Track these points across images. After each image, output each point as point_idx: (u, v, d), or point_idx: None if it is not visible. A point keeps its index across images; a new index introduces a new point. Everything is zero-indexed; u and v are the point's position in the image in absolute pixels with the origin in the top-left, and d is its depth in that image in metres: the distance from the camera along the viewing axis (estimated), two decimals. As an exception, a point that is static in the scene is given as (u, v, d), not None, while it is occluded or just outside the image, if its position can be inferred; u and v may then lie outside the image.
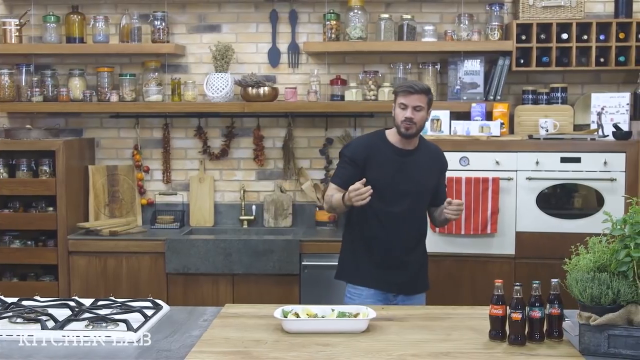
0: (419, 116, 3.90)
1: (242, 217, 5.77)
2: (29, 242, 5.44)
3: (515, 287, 2.90)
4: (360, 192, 3.70)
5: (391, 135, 4.05)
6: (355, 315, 3.15)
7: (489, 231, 4.96)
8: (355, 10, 5.46)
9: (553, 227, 4.97)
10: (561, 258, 4.82)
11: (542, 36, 5.35)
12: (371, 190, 3.71)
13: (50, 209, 5.40)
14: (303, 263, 5.18)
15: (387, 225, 3.99)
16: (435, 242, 5.00)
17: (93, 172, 5.68)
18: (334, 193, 3.98)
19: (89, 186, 5.66)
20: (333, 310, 3.17)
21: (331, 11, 5.54)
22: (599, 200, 4.94)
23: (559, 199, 5.10)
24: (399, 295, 4.02)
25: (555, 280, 2.94)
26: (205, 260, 5.17)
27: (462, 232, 4.98)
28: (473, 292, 5.01)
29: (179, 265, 5.19)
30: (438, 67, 5.57)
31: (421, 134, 5.07)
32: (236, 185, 5.84)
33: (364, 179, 3.75)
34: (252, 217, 5.77)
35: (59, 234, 5.31)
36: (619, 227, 2.80)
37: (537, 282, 2.92)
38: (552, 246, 4.95)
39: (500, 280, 2.96)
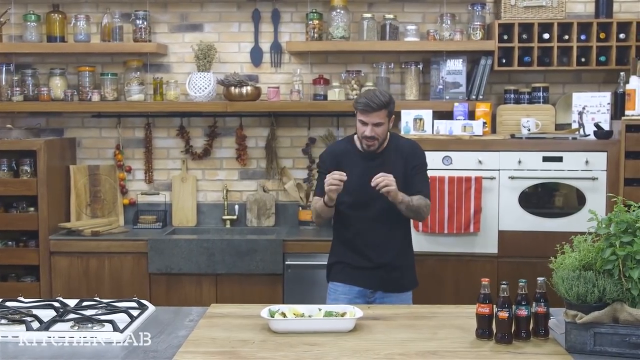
0: (379, 131, 3.92)
1: (224, 217, 5.75)
2: (10, 243, 5.39)
3: (502, 286, 2.91)
4: (333, 176, 3.77)
5: (357, 139, 4.08)
6: (342, 315, 3.15)
7: (471, 230, 4.98)
8: (338, 10, 5.46)
9: (535, 226, 5.00)
10: (543, 257, 4.85)
11: (524, 36, 5.38)
12: (343, 176, 3.76)
13: (32, 209, 5.35)
14: (287, 262, 5.17)
15: (361, 229, 4.02)
16: (418, 241, 5.00)
17: (74, 172, 5.65)
18: (316, 202, 4.05)
19: (70, 186, 5.62)
20: (320, 309, 3.18)
21: (314, 11, 5.54)
22: (581, 199, 4.98)
23: (541, 198, 5.12)
24: (376, 292, 4.03)
25: (542, 278, 2.96)
26: (189, 260, 5.15)
27: (445, 231, 5.00)
28: (456, 291, 5.04)
29: (162, 265, 5.17)
30: (420, 66, 5.58)
31: (403, 133, 5.14)
32: (219, 185, 5.82)
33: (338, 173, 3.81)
34: (234, 217, 5.76)
35: (41, 235, 5.27)
36: (604, 225, 2.81)
37: (523, 280, 2.93)
38: (534, 245, 4.98)
39: (487, 279, 2.97)
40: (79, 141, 5.84)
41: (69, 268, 5.24)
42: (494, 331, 2.94)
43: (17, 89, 5.58)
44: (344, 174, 3.78)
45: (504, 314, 2.88)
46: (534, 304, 2.94)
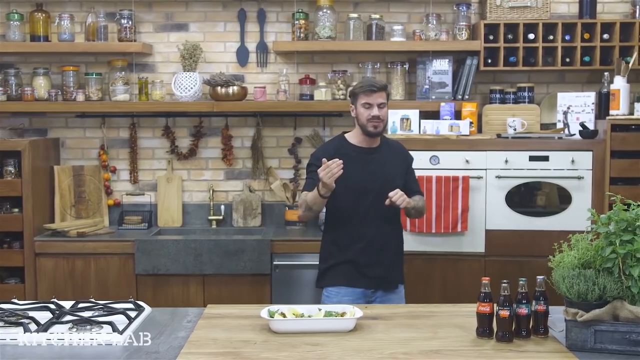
0: (383, 112, 4.00)
1: (210, 217, 5.73)
2: (-7, 245, 5.33)
3: (503, 285, 2.92)
4: (329, 166, 3.73)
5: (352, 137, 4.12)
6: (342, 315, 3.15)
7: (459, 229, 5.01)
8: (325, 10, 5.46)
9: (522, 225, 5.04)
10: (530, 255, 4.97)
11: (509, 36, 5.41)
12: (340, 162, 3.74)
13: (16, 210, 5.29)
14: (274, 263, 5.15)
15: (357, 224, 4.03)
16: (405, 241, 4.94)
17: (59, 173, 5.59)
18: (306, 194, 4.01)
19: (54, 187, 5.57)
20: (320, 309, 3.18)
21: (300, 10, 5.53)
22: (567, 198, 5.02)
23: (528, 197, 5.16)
24: (377, 291, 4.06)
25: (541, 277, 2.98)
26: (176, 261, 5.12)
27: (433, 231, 5.02)
28: (444, 290, 5.07)
29: (149, 266, 5.13)
30: (406, 66, 5.59)
31: (390, 133, 5.17)
32: (204, 185, 5.80)
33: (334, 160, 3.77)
34: (220, 217, 5.73)
35: (25, 236, 5.21)
36: (603, 224, 2.84)
37: (523, 279, 2.95)
38: (521, 244, 5.03)
39: (487, 278, 2.98)
40: (63, 141, 5.79)
41: (55, 269, 5.19)
42: (495, 330, 2.95)
43: (0, 88, 5.50)
44: (340, 161, 3.76)
45: (505, 313, 2.90)
46: (533, 303, 2.96)
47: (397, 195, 3.85)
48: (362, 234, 4.03)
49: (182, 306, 4.51)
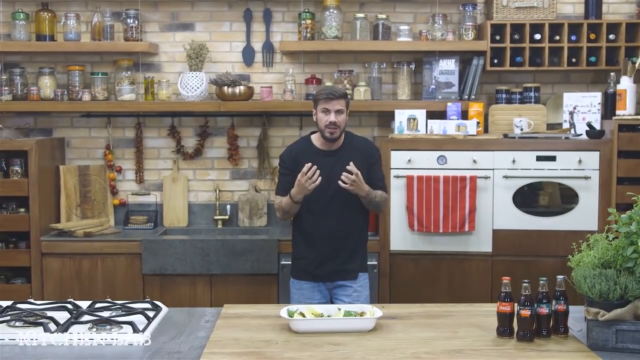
0: (340, 119, 4.19)
1: (216, 217, 5.72)
2: (-1, 244, 5.31)
3: (524, 284, 2.94)
4: (309, 175, 4.01)
5: (316, 139, 4.32)
6: (361, 314, 3.16)
7: (466, 229, 5.02)
8: (331, 10, 5.45)
9: (529, 225, 5.06)
10: (537, 255, 5.00)
11: (516, 36, 5.42)
12: (317, 169, 4.02)
13: (22, 210, 5.27)
14: (281, 262, 5.15)
15: (318, 222, 4.24)
16: (413, 241, 5.06)
17: (64, 173, 5.58)
18: (281, 200, 4.25)
19: (60, 187, 5.55)
20: (339, 309, 3.19)
21: (306, 10, 5.53)
22: (574, 198, 5.04)
23: (535, 197, 5.18)
24: (335, 282, 4.26)
25: (561, 276, 2.99)
26: (183, 261, 5.12)
27: (440, 230, 5.03)
28: (451, 290, 5.08)
29: (156, 266, 5.13)
30: (413, 66, 5.59)
31: (397, 132, 5.18)
32: (210, 185, 5.79)
33: (310, 163, 4.04)
34: (226, 217, 5.73)
35: (32, 236, 5.19)
36: (624, 223, 2.85)
37: (544, 278, 2.96)
38: (528, 243, 5.05)
39: (507, 278, 2.99)
40: (68, 141, 5.77)
41: (61, 269, 5.18)
42: (515, 329, 2.96)
43: (6, 88, 5.48)
44: (314, 167, 4.02)
45: (526, 312, 2.91)
46: (553, 302, 2.97)
47: (351, 177, 4.03)
48: (318, 233, 4.25)
49: (189, 306, 4.52)
